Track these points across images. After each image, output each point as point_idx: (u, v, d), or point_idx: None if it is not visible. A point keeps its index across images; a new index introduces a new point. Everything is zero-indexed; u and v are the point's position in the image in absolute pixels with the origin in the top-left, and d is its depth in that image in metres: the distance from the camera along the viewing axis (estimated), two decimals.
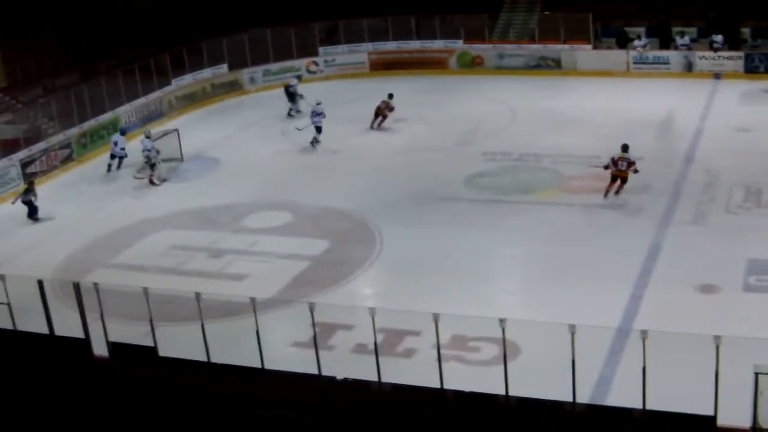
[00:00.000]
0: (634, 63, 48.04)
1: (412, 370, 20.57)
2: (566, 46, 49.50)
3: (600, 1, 50.56)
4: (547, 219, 29.83)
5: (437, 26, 51.58)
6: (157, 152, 36.12)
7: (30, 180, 34.24)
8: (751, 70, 46.89)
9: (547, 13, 51.78)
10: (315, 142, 38.90)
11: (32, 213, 32.69)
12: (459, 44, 51.37)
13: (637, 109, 41.16)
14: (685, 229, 28.46)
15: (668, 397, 17.60)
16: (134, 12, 51.12)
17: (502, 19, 52.67)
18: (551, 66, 48.90)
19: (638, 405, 17.54)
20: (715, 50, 47.61)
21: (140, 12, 51.00)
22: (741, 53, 47.44)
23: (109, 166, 37.71)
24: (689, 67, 47.50)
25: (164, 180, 36.12)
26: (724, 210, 29.83)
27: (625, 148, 30.75)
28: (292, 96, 44.42)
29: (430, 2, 51.78)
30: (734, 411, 17.00)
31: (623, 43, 49.76)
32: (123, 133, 38.98)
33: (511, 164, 35.13)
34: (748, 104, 42.27)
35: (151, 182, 35.87)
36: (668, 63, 47.85)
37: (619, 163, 30.49)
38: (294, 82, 45.09)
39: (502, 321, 17.82)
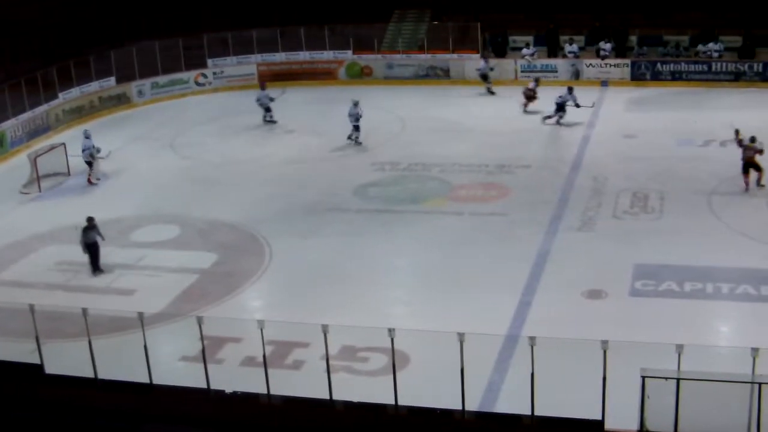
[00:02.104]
0: (522, 71, 48.45)
1: (301, 382, 20.42)
2: (455, 56, 49.78)
3: (488, 11, 51.02)
4: (436, 228, 29.86)
5: (326, 37, 51.53)
6: (98, 150, 36.10)
7: (90, 217, 28.00)
8: (637, 77, 47.71)
9: (436, 23, 52.07)
10: (351, 138, 39.16)
11: (95, 260, 27.92)
12: (348, 55, 51.39)
13: (525, 117, 41.55)
14: (572, 236, 28.74)
15: (557, 403, 17.70)
16: (20, 24, 50.20)
17: (391, 30, 52.86)
18: (440, 75, 49.11)
19: (527, 411, 17.56)
20: (603, 58, 48.30)
21: (27, 25, 50.11)
22: (627, 61, 48.23)
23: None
24: (577, 75, 48.09)
25: (98, 179, 36.18)
26: (611, 216, 30.20)
27: (752, 139, 31.42)
28: (484, 77, 45.40)
29: (319, 13, 51.80)
30: (622, 414, 17.11)
31: (502, 52, 50.24)
32: (263, 91, 43.40)
33: (400, 174, 35.20)
34: (634, 111, 42.91)
35: (90, 182, 35.84)
36: (556, 71, 48.36)
37: (747, 150, 31.41)
38: (482, 64, 45.90)
39: (390, 331, 17.73)
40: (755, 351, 16.62)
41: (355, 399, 18.78)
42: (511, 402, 19.03)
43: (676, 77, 47.32)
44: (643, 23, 50.03)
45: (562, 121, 39.98)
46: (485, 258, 27.21)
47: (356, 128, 38.98)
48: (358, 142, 39.06)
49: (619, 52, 49.13)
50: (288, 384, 19.86)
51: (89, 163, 35.96)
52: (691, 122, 38.84)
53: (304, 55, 51.68)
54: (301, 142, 40.33)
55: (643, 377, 16.70)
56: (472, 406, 18.48)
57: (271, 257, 28.19)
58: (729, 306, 24.23)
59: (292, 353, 21.88)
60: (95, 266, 27.67)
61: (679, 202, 30.95)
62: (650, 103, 43.91)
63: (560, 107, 40.20)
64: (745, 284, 24.86)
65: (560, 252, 27.50)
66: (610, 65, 48.15)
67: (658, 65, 47.67)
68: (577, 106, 39.99)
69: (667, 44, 49.12)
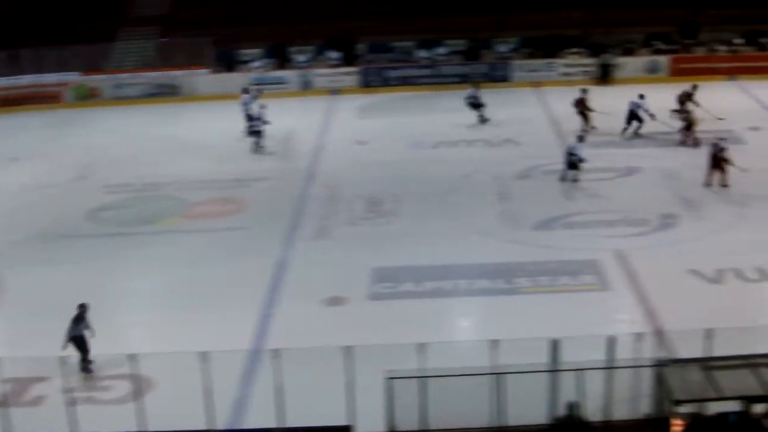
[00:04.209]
0: (253, 85, 48.35)
1: (43, 418, 19.61)
2: (184, 72, 49.28)
3: (217, 25, 50.60)
4: (173, 247, 29.39)
5: (51, 59, 50.02)
6: None
7: (82, 304, 22.49)
8: (366, 84, 48.38)
9: (164, 39, 51.40)
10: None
11: (85, 354, 21.93)
12: (74, 76, 49.99)
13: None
14: (310, 245, 28.87)
15: (306, 412, 17.78)
16: None
17: (118, 48, 51.85)
18: (170, 93, 48.46)
19: (276, 423, 17.55)
20: (332, 67, 48.83)
21: None
22: (357, 69, 48.90)
23: None
24: (307, 86, 48.42)
25: None
26: (347, 222, 30.54)
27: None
28: (475, 105, 41.66)
29: (42, 34, 50.29)
30: (371, 417, 17.37)
31: (232, 66, 50.11)
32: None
33: (134, 195, 34.36)
34: (365, 117, 43.54)
35: None
36: (286, 83, 48.53)
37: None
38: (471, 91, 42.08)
39: (131, 356, 17.42)
40: (494, 342, 17.11)
41: (102, 430, 18.32)
42: (260, 415, 18.89)
43: (405, 82, 48.29)
44: (371, 31, 50.76)
45: (641, 131, 38.35)
46: (225, 273, 26.95)
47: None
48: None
49: (348, 60, 49.77)
50: (29, 421, 19.14)
51: None
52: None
53: (27, 79, 49.84)
54: (29, 169, 38.74)
55: (388, 378, 16.93)
56: (220, 423, 18.41)
57: (3, 290, 27.07)
58: (468, 301, 24.97)
59: (32, 389, 20.94)
60: (86, 364, 21.95)
61: (413, 204, 31.61)
62: (381, 109, 44.71)
63: (633, 116, 38.35)
64: (481, 279, 25.66)
65: (299, 262, 27.56)
66: (340, 74, 48.74)
67: (387, 71, 48.55)
68: (652, 116, 37.75)
69: (395, 50, 50.11)
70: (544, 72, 48.98)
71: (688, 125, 36.67)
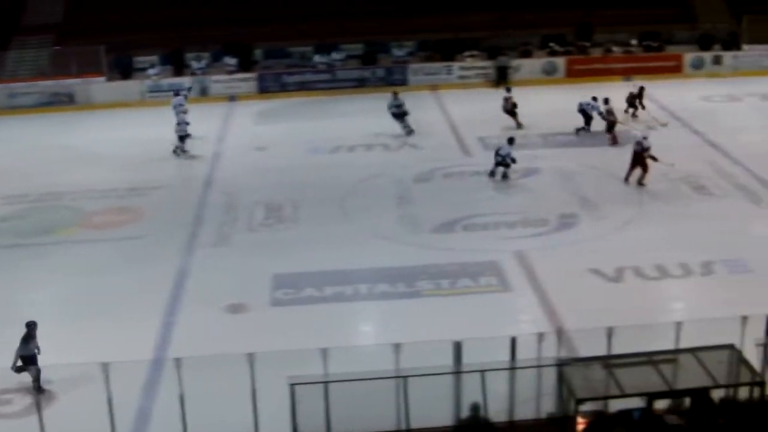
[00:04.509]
0: (149, 92, 47.89)
1: None
2: (79, 80, 48.57)
3: (111, 33, 50.00)
4: (72, 257, 28.79)
5: None
6: None
7: (30, 322, 21.76)
8: (264, 90, 48.26)
9: (58, 47, 50.62)
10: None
11: (36, 373, 20.70)
12: None
13: (155, 137, 40.72)
14: (210, 252, 28.60)
15: (210, 421, 17.65)
16: None
17: (11, 57, 50.97)
18: (65, 101, 47.72)
19: None
20: (229, 73, 48.60)
21: None
22: (254, 74, 48.74)
23: None
24: (204, 92, 48.06)
25: None
26: (247, 229, 30.36)
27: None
28: (398, 115, 40.30)
29: None
30: (275, 424, 17.28)
31: (127, 73, 49.56)
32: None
33: (30, 206, 33.59)
34: (263, 123, 43.40)
35: None
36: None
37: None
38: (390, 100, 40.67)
39: (30, 369, 17.12)
40: (397, 346, 17.12)
41: None
42: (163, 426, 18.77)
43: (302, 87, 48.31)
44: (268, 36, 50.62)
45: (589, 131, 38.84)
46: (124, 283, 26.53)
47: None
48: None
49: (245, 66, 49.57)
50: None
51: None
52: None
53: None
54: None
55: (291, 385, 16.85)
56: None
57: None
58: (369, 305, 24.96)
59: None
60: (37, 385, 20.64)
61: (312, 209, 31.54)
62: (278, 115, 44.59)
63: (586, 115, 38.85)
64: (381, 283, 25.72)
65: (199, 270, 27.31)
66: (237, 80, 48.54)
67: (284, 77, 48.52)
68: (604, 117, 38.13)
69: (292, 55, 50.08)
70: (441, 75, 49.32)
71: (611, 125, 37.24)
